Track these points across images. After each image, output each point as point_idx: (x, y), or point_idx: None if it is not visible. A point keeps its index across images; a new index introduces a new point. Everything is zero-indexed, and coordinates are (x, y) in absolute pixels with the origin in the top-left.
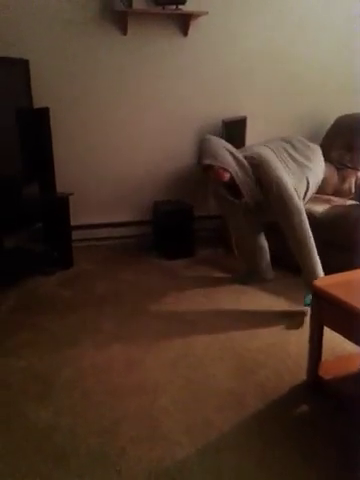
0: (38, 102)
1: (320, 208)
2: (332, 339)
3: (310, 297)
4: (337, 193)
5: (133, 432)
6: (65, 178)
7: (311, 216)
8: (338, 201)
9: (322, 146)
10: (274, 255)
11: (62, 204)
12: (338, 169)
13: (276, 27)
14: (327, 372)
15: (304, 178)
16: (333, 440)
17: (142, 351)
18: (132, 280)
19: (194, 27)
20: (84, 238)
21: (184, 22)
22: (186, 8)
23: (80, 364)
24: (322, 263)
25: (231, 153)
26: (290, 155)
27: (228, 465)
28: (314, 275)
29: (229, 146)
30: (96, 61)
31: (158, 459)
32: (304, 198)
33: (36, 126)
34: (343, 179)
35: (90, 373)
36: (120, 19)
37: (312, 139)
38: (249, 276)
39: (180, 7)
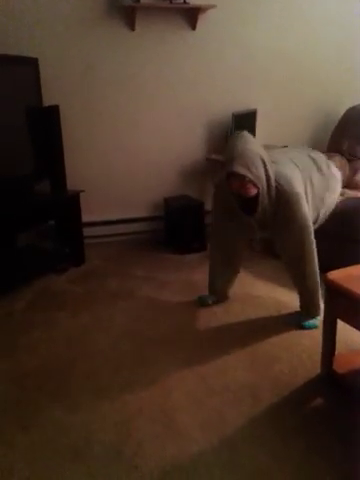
0: (48, 100)
1: None
2: (346, 332)
3: (311, 322)
4: (349, 185)
5: (148, 428)
6: (76, 175)
7: None
8: (350, 193)
9: (333, 138)
10: None
11: (73, 201)
12: (349, 161)
13: (285, 19)
14: (341, 366)
15: (316, 212)
16: (348, 433)
17: (155, 347)
18: (144, 275)
19: (202, 21)
20: (95, 235)
21: (192, 16)
22: (194, 2)
23: (94, 360)
24: (334, 256)
25: (265, 166)
26: (312, 183)
27: (243, 460)
28: (316, 308)
29: (264, 153)
30: (105, 57)
31: (173, 454)
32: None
33: (46, 124)
34: (354, 171)
35: (104, 369)
36: (128, 14)
37: (323, 131)
38: (209, 296)
39: (188, 1)
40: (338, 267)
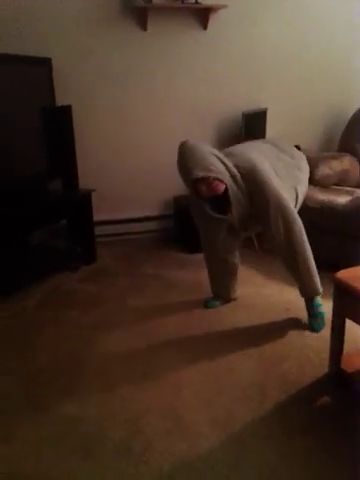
0: (60, 100)
1: (342, 200)
2: (354, 332)
3: (319, 322)
4: (359, 185)
5: (157, 424)
6: (88, 174)
7: (334, 208)
8: None
9: (343, 138)
10: None
11: (85, 200)
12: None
13: (295, 19)
14: (349, 365)
15: (293, 189)
16: (355, 432)
17: (165, 345)
18: (154, 274)
19: (213, 20)
20: (107, 233)
21: (203, 16)
22: (205, 1)
23: (104, 358)
24: (344, 255)
25: (221, 160)
26: (281, 161)
27: (251, 456)
28: (316, 289)
29: (216, 151)
30: (117, 57)
31: (183, 450)
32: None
33: (59, 124)
34: None
35: (114, 366)
36: (140, 15)
37: (333, 130)
38: (214, 298)
39: (199, 1)
40: (346, 266)
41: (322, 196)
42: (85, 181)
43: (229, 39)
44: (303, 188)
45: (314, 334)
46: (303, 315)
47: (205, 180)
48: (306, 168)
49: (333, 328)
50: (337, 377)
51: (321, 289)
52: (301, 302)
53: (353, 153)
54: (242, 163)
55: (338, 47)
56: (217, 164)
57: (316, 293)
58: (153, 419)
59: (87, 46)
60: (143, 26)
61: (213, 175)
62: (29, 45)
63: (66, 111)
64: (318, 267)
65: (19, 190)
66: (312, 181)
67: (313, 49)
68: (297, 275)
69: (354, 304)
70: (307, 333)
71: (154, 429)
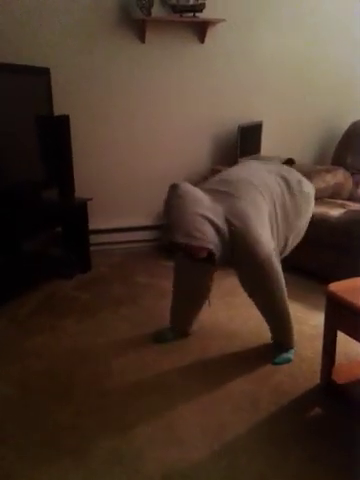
0: (58, 109)
1: (335, 213)
2: (346, 344)
3: (284, 357)
4: (352, 198)
5: (150, 433)
6: (84, 183)
7: (327, 221)
8: (353, 206)
9: (337, 151)
10: (284, 259)
11: (80, 209)
12: (353, 174)
13: (292, 34)
14: (341, 376)
15: (284, 241)
16: (346, 444)
17: (158, 354)
18: (147, 283)
19: (211, 34)
20: (102, 242)
21: (201, 30)
22: (203, 16)
23: (97, 366)
24: (336, 268)
25: (210, 221)
26: (282, 208)
27: (242, 466)
28: (288, 339)
29: (207, 210)
30: (115, 69)
31: (174, 460)
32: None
33: (56, 133)
34: (358, 184)
35: (107, 375)
36: (139, 27)
37: (327, 144)
38: (169, 330)
39: (197, 15)
40: (339, 279)
41: (315, 209)
42: (81, 190)
43: (226, 53)
44: (297, 237)
45: (306, 346)
46: (295, 327)
47: (185, 246)
48: (310, 209)
49: (325, 340)
50: (329, 388)
51: (294, 343)
52: (293, 313)
53: (346, 167)
54: (234, 218)
55: (334, 61)
56: (205, 229)
57: (289, 346)
58: (145, 428)
59: (86, 57)
60: (141, 38)
61: (196, 244)
62: (28, 55)
63: (64, 121)
64: (311, 279)
65: (15, 198)
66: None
67: (309, 63)
68: (272, 324)
69: (346, 316)
70: (300, 345)
71: (146, 438)
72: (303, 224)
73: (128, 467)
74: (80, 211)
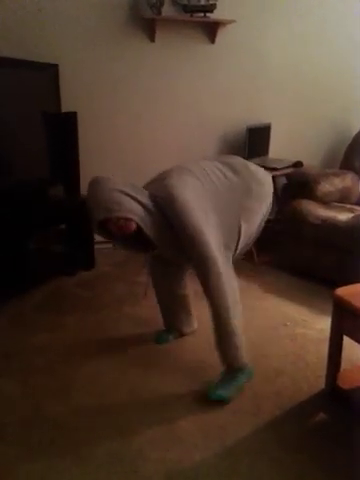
0: (66, 106)
1: (343, 217)
2: (351, 349)
3: (219, 393)
4: None
5: (150, 434)
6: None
7: (335, 224)
8: None
9: (346, 155)
10: (291, 263)
11: (86, 207)
12: None
13: (302, 36)
14: (345, 382)
15: (236, 226)
16: (350, 449)
17: (160, 354)
18: (150, 282)
19: (221, 35)
20: (106, 240)
21: (212, 30)
22: (214, 16)
23: (99, 364)
24: (343, 272)
25: (129, 195)
26: (229, 187)
27: (243, 468)
28: (241, 363)
29: (125, 187)
30: (124, 67)
31: (174, 461)
32: (235, 250)
33: (63, 130)
34: None
35: (108, 373)
36: (149, 26)
37: (336, 148)
38: (167, 332)
39: (208, 15)
40: (347, 283)
41: (323, 212)
42: (87, 187)
43: (236, 54)
44: (254, 218)
45: (311, 350)
46: (301, 331)
47: (109, 221)
48: (261, 189)
49: (331, 345)
50: (333, 394)
51: (246, 364)
52: (299, 316)
53: (355, 171)
54: (160, 191)
55: (344, 65)
56: (122, 201)
57: (241, 368)
58: (146, 428)
59: (94, 54)
60: (151, 37)
61: (116, 214)
62: (37, 51)
63: (71, 117)
64: (318, 283)
65: (21, 194)
66: (313, 197)
67: (319, 66)
68: (217, 339)
69: (352, 322)
70: (304, 349)
71: (146, 438)
72: (258, 210)
73: (128, 467)
74: (85, 209)
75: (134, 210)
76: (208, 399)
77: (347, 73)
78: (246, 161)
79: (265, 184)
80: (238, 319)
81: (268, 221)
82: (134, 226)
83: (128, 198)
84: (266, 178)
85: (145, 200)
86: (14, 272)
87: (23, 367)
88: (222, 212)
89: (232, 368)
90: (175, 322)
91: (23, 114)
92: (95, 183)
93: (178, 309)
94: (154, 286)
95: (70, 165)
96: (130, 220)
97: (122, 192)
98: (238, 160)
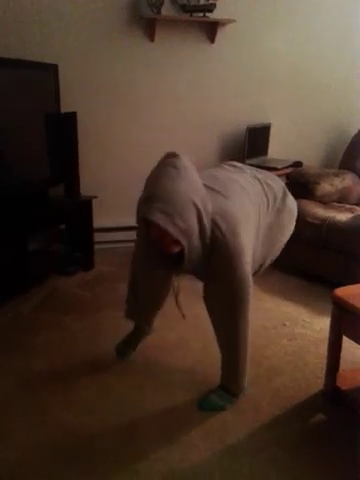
0: (66, 106)
1: (343, 217)
2: (351, 349)
3: (216, 403)
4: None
5: (151, 434)
6: (90, 181)
7: (335, 224)
8: None
9: (345, 155)
10: (290, 263)
11: (85, 207)
12: None
13: (302, 36)
14: (345, 382)
15: (261, 258)
16: (349, 450)
17: (160, 354)
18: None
19: (221, 35)
20: (106, 240)
21: (211, 30)
22: (214, 16)
23: (100, 365)
24: (343, 273)
25: (199, 215)
26: (268, 221)
27: (243, 469)
28: (237, 385)
29: (201, 194)
30: (124, 67)
31: (175, 461)
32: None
33: (63, 130)
34: None
35: (109, 374)
36: (148, 26)
37: (336, 148)
38: (126, 344)
39: (208, 15)
40: (347, 284)
41: (323, 212)
42: (86, 188)
43: (236, 53)
44: (272, 258)
45: (310, 350)
46: (300, 331)
47: (155, 226)
48: (290, 226)
49: (330, 345)
50: (332, 394)
51: (242, 393)
52: (300, 317)
53: (355, 171)
54: (222, 220)
55: (344, 65)
56: (189, 218)
57: (235, 392)
58: (147, 428)
59: (94, 54)
60: (151, 37)
61: (171, 230)
62: (36, 51)
63: (71, 118)
64: (317, 284)
65: (20, 194)
66: (313, 197)
67: (319, 66)
68: (225, 361)
69: (352, 322)
70: (304, 349)
71: (147, 438)
72: (282, 244)
73: (128, 467)
74: (85, 209)
75: (189, 233)
76: (201, 408)
77: (346, 73)
78: (286, 190)
79: (294, 221)
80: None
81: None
82: (176, 251)
83: (195, 216)
84: (295, 213)
85: (207, 225)
86: (13, 272)
87: (24, 367)
88: (255, 245)
89: (230, 391)
90: (146, 313)
91: (23, 114)
92: (175, 167)
93: (152, 308)
94: (133, 273)
95: (69, 165)
96: (178, 244)
97: (196, 209)
98: (280, 187)
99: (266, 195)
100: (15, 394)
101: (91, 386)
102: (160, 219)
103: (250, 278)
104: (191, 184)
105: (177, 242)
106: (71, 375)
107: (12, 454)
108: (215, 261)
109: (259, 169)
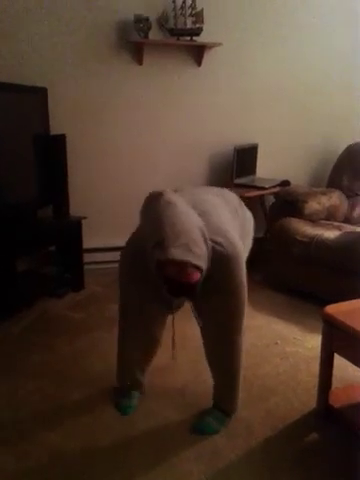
0: (55, 129)
1: (331, 234)
2: (342, 367)
3: (213, 425)
4: (347, 220)
5: (142, 458)
6: (79, 202)
7: (323, 242)
8: (348, 228)
9: (332, 174)
10: (280, 280)
11: (75, 228)
12: (348, 197)
13: (287, 57)
14: (337, 400)
15: None
16: (343, 469)
17: (151, 376)
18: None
19: (208, 58)
20: (96, 261)
21: (198, 53)
22: (200, 39)
23: (90, 387)
24: (333, 290)
25: (204, 236)
26: (240, 235)
27: None
28: (232, 403)
29: (198, 219)
30: (112, 90)
31: None
32: None
33: (52, 152)
34: (353, 207)
35: (99, 397)
36: (136, 49)
37: (323, 166)
38: (127, 397)
39: (195, 38)
40: (337, 301)
41: (311, 230)
42: (76, 208)
43: (223, 76)
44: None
45: (302, 369)
46: (292, 349)
47: (180, 264)
48: (251, 230)
49: (322, 363)
50: (325, 412)
51: (236, 411)
52: (292, 335)
53: (342, 189)
54: (220, 235)
55: (330, 85)
56: (200, 244)
57: (230, 411)
58: (137, 452)
59: (83, 77)
60: (139, 61)
61: (194, 262)
62: (26, 74)
63: (60, 140)
64: (307, 301)
65: (9, 216)
66: (301, 215)
67: (305, 87)
68: (219, 379)
69: (343, 339)
70: (295, 367)
71: (137, 463)
72: (247, 254)
73: None
74: (74, 230)
75: (204, 256)
76: (196, 431)
77: (332, 93)
78: (239, 200)
79: (252, 228)
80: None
81: (257, 240)
82: (198, 276)
83: (203, 239)
84: (252, 220)
85: (209, 242)
86: (2, 294)
87: (13, 390)
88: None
89: (224, 411)
90: (139, 373)
91: (12, 136)
92: (169, 204)
93: (149, 356)
94: (129, 327)
95: (59, 186)
96: (198, 270)
97: (201, 231)
98: (233, 197)
99: (230, 209)
100: (4, 418)
101: (80, 410)
102: (178, 254)
103: (245, 291)
104: (188, 213)
105: (197, 268)
106: (60, 398)
107: None
108: (217, 274)
109: (209, 187)
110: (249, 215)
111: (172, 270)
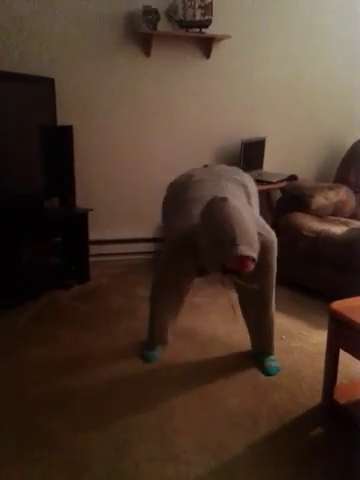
0: (62, 120)
1: (338, 230)
2: (348, 363)
3: (275, 366)
4: (354, 216)
5: (147, 450)
6: (86, 193)
7: (330, 237)
8: (356, 224)
9: (340, 169)
10: (286, 276)
11: (81, 220)
12: (355, 192)
13: (296, 50)
14: (342, 396)
15: None
16: (347, 464)
17: (156, 370)
18: (147, 296)
19: (217, 50)
20: (102, 253)
21: (207, 45)
22: (209, 31)
23: (95, 379)
24: (339, 286)
25: (257, 228)
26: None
27: None
28: (272, 347)
29: (251, 212)
30: (120, 81)
31: (170, 476)
32: None
33: (59, 143)
34: None
35: (105, 389)
36: (145, 41)
37: (330, 161)
38: (152, 349)
39: (203, 30)
40: (342, 297)
41: (318, 226)
42: (83, 200)
43: (231, 68)
44: None
45: (307, 364)
46: (297, 344)
47: (245, 258)
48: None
49: (327, 358)
50: (330, 408)
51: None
52: (295, 330)
53: (349, 185)
54: (264, 232)
55: (339, 79)
56: (257, 239)
57: (271, 353)
58: (142, 444)
59: (90, 68)
60: (147, 52)
61: (255, 256)
62: (33, 65)
63: (67, 131)
64: (313, 297)
65: (16, 206)
66: (308, 210)
67: (314, 81)
68: (261, 334)
69: (349, 335)
70: (300, 363)
71: (142, 454)
72: None
73: None
74: (81, 221)
75: (258, 250)
76: (268, 375)
77: (341, 88)
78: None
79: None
80: None
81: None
82: (252, 267)
83: (256, 234)
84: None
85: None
86: (8, 285)
87: (18, 380)
88: None
89: (268, 354)
90: (165, 332)
91: (19, 127)
92: (233, 208)
93: (176, 316)
94: (163, 298)
95: (65, 178)
96: (255, 261)
97: (255, 228)
98: (242, 176)
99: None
100: (9, 408)
101: (85, 402)
102: (248, 251)
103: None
104: (248, 215)
105: (254, 260)
106: (66, 389)
107: (4, 470)
108: (260, 257)
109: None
110: (251, 182)
111: (236, 261)
